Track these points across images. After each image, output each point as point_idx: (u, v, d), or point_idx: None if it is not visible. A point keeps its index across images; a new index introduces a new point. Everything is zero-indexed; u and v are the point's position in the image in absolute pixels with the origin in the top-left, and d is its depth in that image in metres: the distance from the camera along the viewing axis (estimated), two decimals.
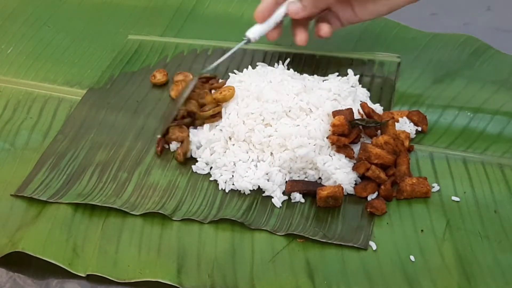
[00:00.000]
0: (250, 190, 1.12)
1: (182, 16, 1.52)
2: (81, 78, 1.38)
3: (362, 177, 1.11)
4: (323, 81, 1.25)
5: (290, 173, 1.14)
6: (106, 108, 1.30)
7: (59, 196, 1.11)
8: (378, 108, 1.23)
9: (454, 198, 1.10)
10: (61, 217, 1.08)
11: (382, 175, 1.08)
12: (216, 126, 1.18)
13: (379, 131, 1.15)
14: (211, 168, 1.16)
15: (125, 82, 1.36)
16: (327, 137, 1.13)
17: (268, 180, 1.12)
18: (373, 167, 1.08)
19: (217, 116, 1.18)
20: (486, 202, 1.09)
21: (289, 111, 1.15)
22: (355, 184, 1.11)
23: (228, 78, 1.26)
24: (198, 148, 1.18)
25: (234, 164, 1.14)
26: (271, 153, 1.14)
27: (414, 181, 1.09)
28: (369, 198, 1.09)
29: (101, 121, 1.27)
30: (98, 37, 1.48)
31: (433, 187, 1.12)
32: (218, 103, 1.18)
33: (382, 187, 1.08)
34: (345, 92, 1.20)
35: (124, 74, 1.38)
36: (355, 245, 1.03)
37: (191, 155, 1.18)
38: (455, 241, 1.04)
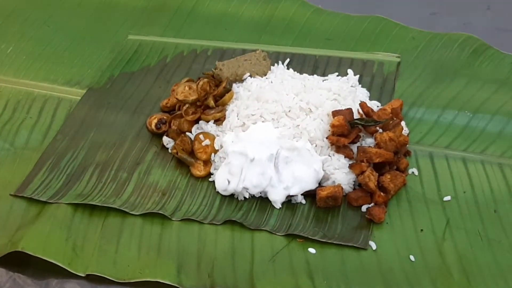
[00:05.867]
0: None
1: (182, 16, 1.52)
2: (81, 78, 1.38)
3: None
4: (323, 81, 1.25)
5: None
6: (106, 108, 1.30)
7: (59, 196, 1.11)
8: (376, 103, 1.24)
9: (446, 198, 1.10)
10: (61, 217, 1.08)
11: (372, 184, 1.08)
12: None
13: (379, 129, 1.15)
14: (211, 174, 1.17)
15: (125, 82, 1.36)
16: (326, 137, 1.13)
17: None
18: (367, 172, 1.08)
19: (220, 120, 1.19)
20: (486, 202, 1.09)
21: (289, 111, 1.15)
22: (354, 183, 1.11)
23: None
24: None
25: None
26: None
27: (389, 176, 1.09)
28: (364, 208, 1.09)
29: (101, 121, 1.27)
30: (98, 37, 1.48)
31: (412, 172, 1.13)
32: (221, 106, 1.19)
33: (376, 197, 1.08)
34: (345, 92, 1.20)
35: (124, 74, 1.38)
36: (355, 245, 1.03)
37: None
38: (455, 241, 1.04)
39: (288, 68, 1.30)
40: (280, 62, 1.32)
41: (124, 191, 1.13)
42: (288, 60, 1.35)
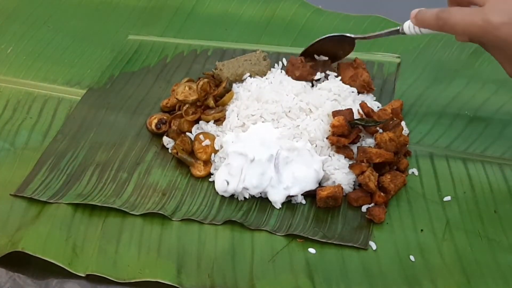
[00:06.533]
0: None
1: (182, 16, 1.52)
2: (81, 78, 1.37)
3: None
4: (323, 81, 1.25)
5: None
6: (106, 108, 1.30)
7: (59, 196, 1.11)
8: (377, 104, 1.24)
9: (446, 198, 1.10)
10: (61, 217, 1.08)
11: (372, 184, 1.08)
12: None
13: (379, 129, 1.15)
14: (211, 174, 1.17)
15: (125, 82, 1.36)
16: (326, 138, 1.13)
17: None
18: (368, 172, 1.08)
19: (220, 120, 1.19)
20: (486, 202, 1.09)
21: (289, 112, 1.15)
22: (354, 184, 1.11)
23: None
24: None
25: None
26: None
27: (389, 176, 1.09)
28: (364, 208, 1.09)
29: (101, 121, 1.27)
30: (98, 37, 1.48)
31: (412, 172, 1.14)
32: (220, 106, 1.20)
33: (376, 197, 1.08)
34: (345, 92, 1.20)
35: (124, 74, 1.38)
36: (355, 245, 1.03)
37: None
38: (455, 241, 1.04)
39: None
40: (276, 65, 1.31)
41: (124, 191, 1.13)
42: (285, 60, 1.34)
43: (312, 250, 1.03)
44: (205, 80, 1.21)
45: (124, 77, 1.37)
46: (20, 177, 1.16)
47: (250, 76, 1.25)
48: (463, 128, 1.22)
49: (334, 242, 1.04)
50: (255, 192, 1.10)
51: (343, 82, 1.22)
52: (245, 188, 1.10)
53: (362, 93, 1.23)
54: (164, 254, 1.03)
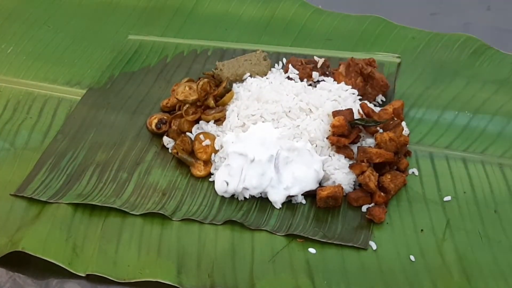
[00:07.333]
0: None
1: (182, 16, 1.52)
2: (81, 78, 1.38)
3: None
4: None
5: None
6: (106, 108, 1.30)
7: (59, 196, 1.11)
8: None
9: (446, 198, 1.10)
10: (61, 217, 1.08)
11: (372, 184, 1.08)
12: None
13: (379, 129, 1.15)
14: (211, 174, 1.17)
15: (125, 82, 1.36)
16: (327, 138, 1.13)
17: None
18: (368, 172, 1.08)
19: (220, 120, 1.19)
20: (486, 202, 1.09)
21: (289, 112, 1.15)
22: (354, 184, 1.11)
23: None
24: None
25: None
26: None
27: (389, 176, 1.09)
28: (364, 208, 1.09)
29: (101, 121, 1.27)
30: (98, 37, 1.48)
31: (412, 172, 1.14)
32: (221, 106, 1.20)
33: (376, 197, 1.08)
34: (345, 92, 1.20)
35: (124, 74, 1.38)
36: (355, 245, 1.03)
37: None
38: (455, 241, 1.04)
39: None
40: (276, 65, 1.31)
41: (124, 191, 1.13)
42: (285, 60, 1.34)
43: (312, 250, 1.03)
44: (205, 80, 1.21)
45: (124, 77, 1.37)
46: (20, 177, 1.16)
47: (250, 76, 1.25)
48: (463, 128, 1.22)
49: (334, 242, 1.04)
50: (255, 192, 1.10)
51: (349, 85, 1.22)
52: (245, 188, 1.10)
53: (377, 94, 1.24)
54: (164, 254, 1.03)
